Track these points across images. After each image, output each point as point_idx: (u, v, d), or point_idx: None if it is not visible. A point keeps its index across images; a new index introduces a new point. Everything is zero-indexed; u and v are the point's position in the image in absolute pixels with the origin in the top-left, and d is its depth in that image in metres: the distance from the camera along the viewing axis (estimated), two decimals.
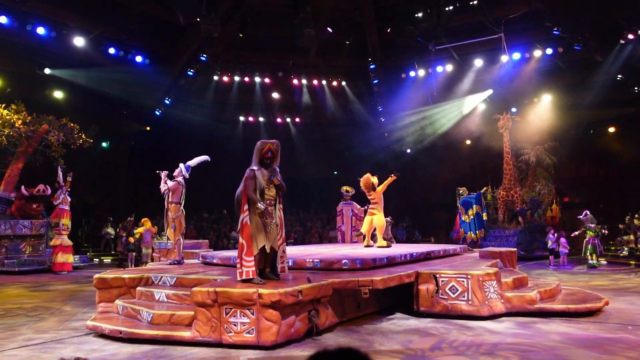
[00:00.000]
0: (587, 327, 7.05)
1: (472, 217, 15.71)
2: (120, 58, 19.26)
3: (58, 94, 20.07)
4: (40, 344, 6.50)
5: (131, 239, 16.39)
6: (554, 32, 18.08)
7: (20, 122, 16.20)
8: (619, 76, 19.02)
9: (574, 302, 7.93)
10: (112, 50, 18.93)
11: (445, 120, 23.65)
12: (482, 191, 15.87)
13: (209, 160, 10.15)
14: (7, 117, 16.14)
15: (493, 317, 7.54)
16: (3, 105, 16.37)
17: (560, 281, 9.50)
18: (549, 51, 19.27)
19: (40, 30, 16.80)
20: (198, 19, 17.16)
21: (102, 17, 18.62)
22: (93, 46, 18.30)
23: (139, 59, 19.71)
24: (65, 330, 7.29)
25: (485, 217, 16.65)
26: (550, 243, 15.84)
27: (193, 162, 9.85)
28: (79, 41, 17.74)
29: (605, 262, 16.57)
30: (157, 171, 9.85)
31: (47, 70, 18.47)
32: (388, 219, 16.21)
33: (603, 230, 16.02)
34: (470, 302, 7.63)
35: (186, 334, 6.58)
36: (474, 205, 15.83)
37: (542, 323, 7.27)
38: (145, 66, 20.00)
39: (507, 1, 19.13)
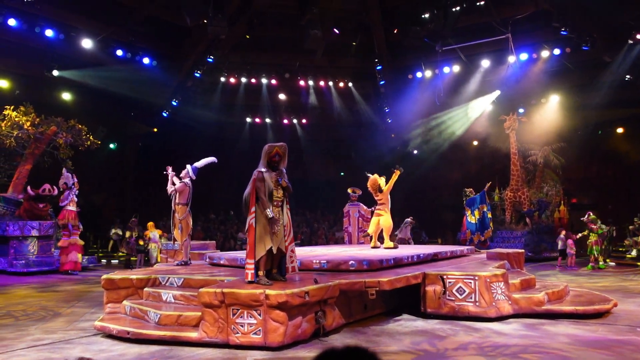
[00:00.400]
0: (595, 329, 7.00)
1: (478, 217, 15.58)
2: (128, 60, 19.32)
3: (66, 96, 20.16)
4: (49, 344, 6.54)
5: (141, 241, 16.56)
6: (562, 32, 17.96)
7: (29, 123, 16.27)
8: (628, 76, 18.89)
9: (582, 304, 7.88)
10: (119, 52, 19.00)
11: (456, 127, 23.53)
12: (485, 189, 15.71)
13: (216, 161, 10.15)
14: (16, 119, 16.22)
15: (500, 318, 7.51)
16: (12, 107, 16.45)
17: (567, 283, 9.43)
18: (557, 51, 19.15)
19: (49, 33, 16.87)
20: (205, 21, 17.19)
21: (110, 19, 18.71)
22: (101, 48, 18.39)
23: (146, 60, 19.78)
24: (73, 330, 7.33)
25: (489, 215, 16.51)
26: (560, 244, 15.75)
27: (200, 163, 9.86)
28: (86, 43, 17.83)
29: (613, 263, 16.46)
30: (164, 171, 9.88)
31: (55, 72, 18.57)
32: (409, 219, 16.07)
33: (605, 233, 15.85)
34: (477, 304, 7.61)
35: (193, 334, 6.60)
36: (479, 205, 15.70)
37: (550, 325, 7.23)
38: (153, 68, 20.06)
39: (514, 1, 19.04)
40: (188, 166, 9.71)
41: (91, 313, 8.51)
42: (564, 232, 16.17)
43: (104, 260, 18.73)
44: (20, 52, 18.16)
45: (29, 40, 17.22)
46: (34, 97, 17.98)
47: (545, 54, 19.43)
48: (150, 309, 7.24)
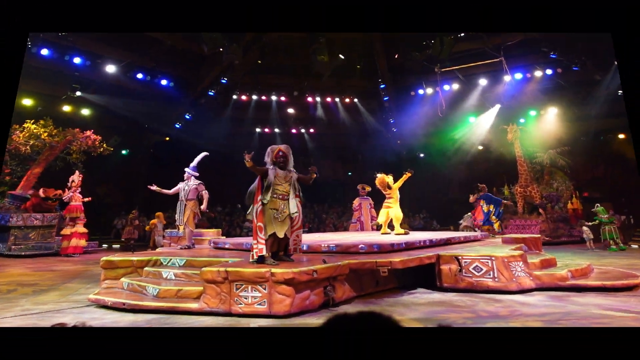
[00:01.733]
0: (626, 300, 5.88)
1: (488, 210, 14.04)
2: (147, 82, 18.91)
3: (85, 111, 19.43)
4: (38, 313, 5.55)
5: (147, 228, 16.05)
6: (551, 55, 17.39)
7: (46, 134, 15.49)
8: (620, 91, 17.97)
9: (609, 279, 6.73)
10: (139, 76, 18.59)
11: (470, 142, 22.56)
12: (481, 194, 14.38)
13: (208, 154, 9.51)
14: (35, 131, 15.45)
15: (522, 292, 6.37)
16: (32, 121, 15.70)
17: (589, 263, 8.11)
18: (549, 72, 18.48)
19: (77, 60, 16.62)
20: (221, 49, 16.82)
21: (134, 47, 18.26)
22: (123, 73, 17.99)
23: (164, 82, 19.36)
24: (65, 302, 6.29)
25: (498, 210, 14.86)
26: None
27: (195, 162, 9.36)
28: (110, 69, 17.44)
29: (636, 245, 14.63)
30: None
31: (78, 93, 18.06)
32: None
33: (615, 223, 14.24)
34: (496, 279, 6.52)
35: (193, 305, 5.63)
36: (487, 204, 14.26)
37: (577, 297, 6.10)
38: (170, 89, 19.62)
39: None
40: (186, 169, 9.25)
41: (86, 288, 7.37)
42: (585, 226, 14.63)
43: (105, 245, 17.35)
44: (47, 75, 17.61)
45: (58, 66, 16.75)
46: (55, 113, 17.33)
47: (538, 73, 18.71)
48: (149, 285, 6.26)
